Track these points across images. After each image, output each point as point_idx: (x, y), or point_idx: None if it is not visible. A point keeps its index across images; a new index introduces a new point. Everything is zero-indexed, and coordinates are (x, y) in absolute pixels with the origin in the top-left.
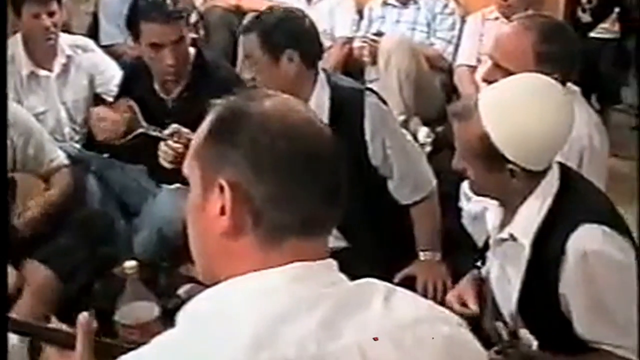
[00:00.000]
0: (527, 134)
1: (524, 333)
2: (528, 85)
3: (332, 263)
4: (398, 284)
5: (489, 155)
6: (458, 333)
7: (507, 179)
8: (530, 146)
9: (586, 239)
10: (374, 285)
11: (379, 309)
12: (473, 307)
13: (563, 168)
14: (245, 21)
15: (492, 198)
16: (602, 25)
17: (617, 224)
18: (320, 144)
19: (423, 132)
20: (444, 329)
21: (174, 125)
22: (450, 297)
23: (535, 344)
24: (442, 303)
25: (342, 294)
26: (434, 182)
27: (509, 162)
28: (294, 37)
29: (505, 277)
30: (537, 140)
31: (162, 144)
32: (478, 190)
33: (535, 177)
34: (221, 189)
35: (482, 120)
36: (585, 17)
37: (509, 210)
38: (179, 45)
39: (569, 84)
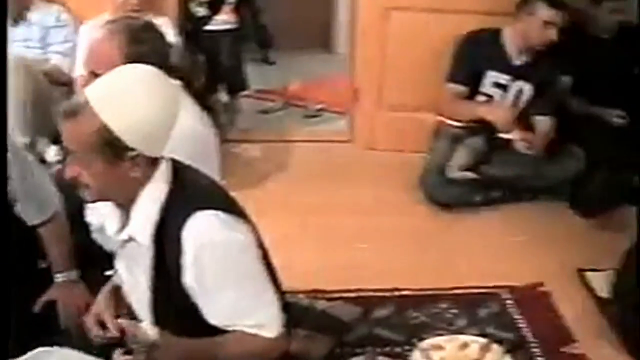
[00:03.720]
0: (143, 118)
1: (143, 325)
2: (133, 72)
3: None
4: (40, 312)
5: (110, 146)
6: None
7: (127, 171)
8: (146, 130)
9: (200, 226)
10: None
11: None
12: (112, 327)
13: (173, 162)
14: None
15: (110, 200)
16: (219, 17)
17: (231, 209)
18: None
19: (52, 151)
20: None
21: None
22: (89, 321)
23: (154, 332)
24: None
25: None
26: (57, 201)
27: (131, 149)
28: None
29: (134, 279)
30: (152, 124)
31: None
32: (96, 195)
33: (152, 167)
34: None
35: (97, 113)
36: (202, 11)
37: (127, 211)
38: None
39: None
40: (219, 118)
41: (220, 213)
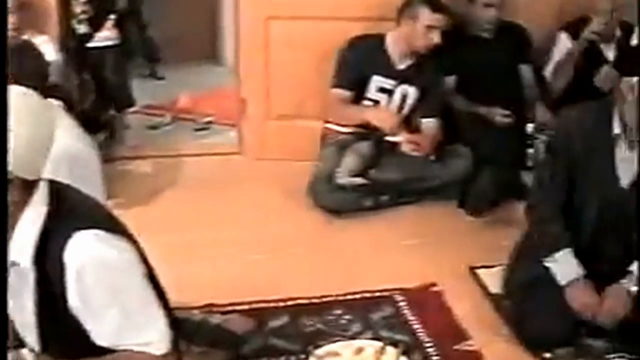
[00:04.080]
0: (14, 142)
1: (23, 352)
2: None
3: None
4: None
5: None
6: None
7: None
8: (18, 153)
9: (81, 246)
10: None
11: None
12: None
13: (53, 183)
14: None
15: None
16: (101, 33)
17: (112, 227)
18: None
19: None
20: None
21: None
22: None
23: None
24: None
25: None
26: None
27: None
28: None
29: (20, 304)
30: (23, 147)
31: None
32: None
33: (30, 189)
34: None
35: None
36: (82, 28)
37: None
38: None
39: (48, 100)
40: (113, 135)
41: (100, 232)
